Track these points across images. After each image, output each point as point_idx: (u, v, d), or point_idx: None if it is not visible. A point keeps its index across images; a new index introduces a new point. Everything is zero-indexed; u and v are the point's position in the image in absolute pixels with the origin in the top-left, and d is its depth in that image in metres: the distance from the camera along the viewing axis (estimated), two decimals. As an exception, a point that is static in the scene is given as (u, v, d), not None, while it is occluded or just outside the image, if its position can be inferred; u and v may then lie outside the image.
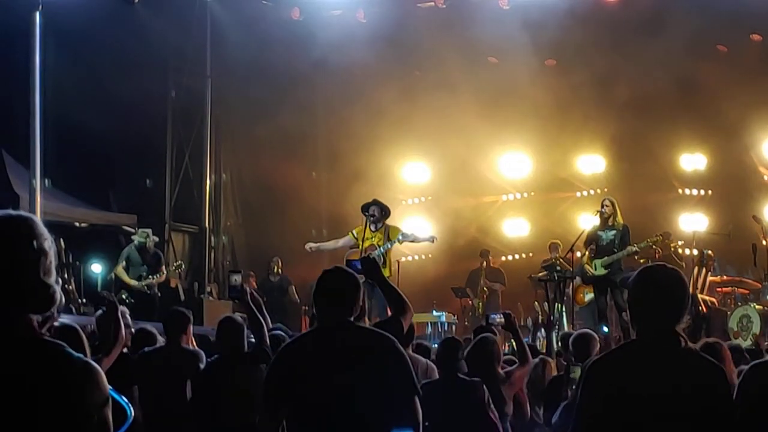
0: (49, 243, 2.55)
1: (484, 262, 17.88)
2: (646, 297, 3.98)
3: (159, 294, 15.33)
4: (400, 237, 13.38)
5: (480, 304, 17.33)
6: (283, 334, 7.82)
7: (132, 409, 2.59)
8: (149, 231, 15.71)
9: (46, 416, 2.41)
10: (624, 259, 13.35)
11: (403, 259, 16.96)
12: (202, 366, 7.62)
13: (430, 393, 6.16)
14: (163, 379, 7.55)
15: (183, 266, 16.56)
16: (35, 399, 2.41)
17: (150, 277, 15.03)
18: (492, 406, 6.75)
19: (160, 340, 8.20)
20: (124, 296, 14.83)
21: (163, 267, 15.35)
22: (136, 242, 15.41)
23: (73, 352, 2.50)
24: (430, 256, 18.98)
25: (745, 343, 12.46)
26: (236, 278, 7.35)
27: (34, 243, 2.52)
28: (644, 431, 3.83)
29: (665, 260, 13.51)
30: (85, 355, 2.59)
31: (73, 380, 2.45)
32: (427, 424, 4.82)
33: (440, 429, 6.28)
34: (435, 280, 18.29)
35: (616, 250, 13.08)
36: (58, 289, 2.56)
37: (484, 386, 6.71)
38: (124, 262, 15.30)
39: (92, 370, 2.50)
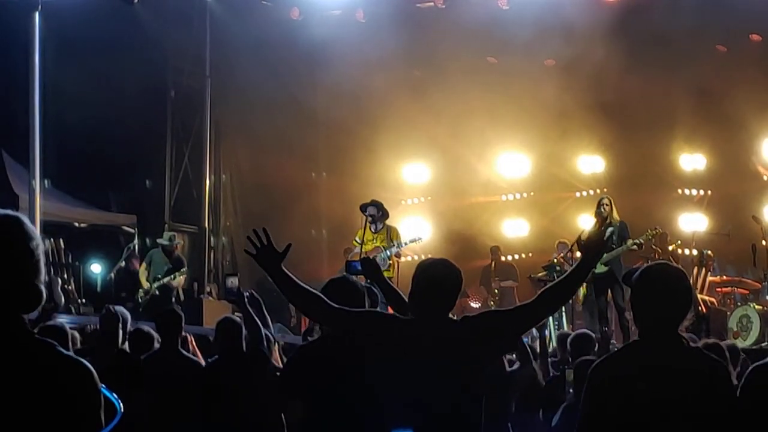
0: (35, 242, 2.54)
1: (493, 261, 17.85)
2: (648, 296, 3.97)
3: (174, 299, 15.11)
4: (402, 244, 13.38)
5: (493, 304, 17.24)
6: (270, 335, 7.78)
7: (121, 405, 2.59)
8: (173, 234, 15.58)
9: (38, 414, 2.41)
10: (624, 258, 13.33)
11: (403, 259, 16.94)
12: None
13: None
14: (163, 387, 7.51)
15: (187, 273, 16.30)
16: (26, 397, 2.41)
17: (165, 278, 14.85)
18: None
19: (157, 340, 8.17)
20: (140, 296, 14.81)
21: (184, 269, 15.14)
22: (162, 243, 15.25)
23: (64, 351, 2.50)
24: (429, 256, 18.96)
25: (744, 343, 12.47)
26: (233, 281, 7.35)
27: (23, 243, 2.51)
28: (649, 431, 3.83)
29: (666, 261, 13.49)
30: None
31: (64, 378, 2.46)
32: None
33: None
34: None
35: (614, 247, 13.07)
36: (44, 289, 2.56)
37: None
38: (124, 261, 15.27)
39: (83, 368, 2.50)
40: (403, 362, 4.45)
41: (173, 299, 14.84)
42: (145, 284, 14.90)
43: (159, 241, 15.35)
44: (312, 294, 4.71)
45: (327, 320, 4.92)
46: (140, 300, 14.53)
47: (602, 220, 13.34)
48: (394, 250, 13.25)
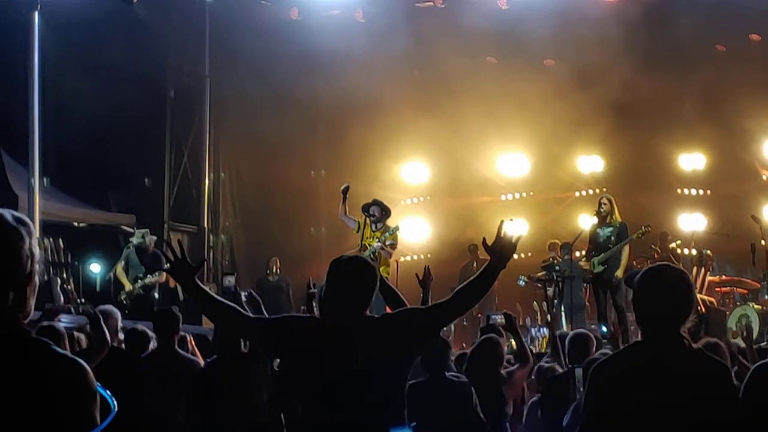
0: (18, 237, 2.52)
1: (474, 261, 17.83)
2: (651, 298, 3.98)
3: (158, 296, 15.15)
4: (382, 238, 13.26)
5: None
6: None
7: (115, 402, 2.58)
8: (146, 231, 15.53)
9: (32, 412, 2.41)
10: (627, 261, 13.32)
11: (402, 258, 16.93)
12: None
13: (417, 393, 6.15)
14: (160, 386, 7.50)
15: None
16: (20, 395, 2.41)
17: (146, 277, 14.85)
18: (479, 407, 6.73)
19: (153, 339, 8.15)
20: (122, 298, 14.78)
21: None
22: (135, 243, 15.27)
23: (59, 349, 2.50)
24: (429, 255, 18.98)
25: (744, 343, 12.44)
26: (230, 280, 7.34)
27: (4, 239, 2.51)
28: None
29: (664, 261, 13.49)
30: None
31: (58, 375, 2.45)
32: (414, 424, 4.78)
33: (427, 429, 6.24)
34: (434, 280, 18.20)
35: (611, 247, 13.08)
36: (37, 288, 2.55)
37: (473, 388, 6.70)
38: (123, 263, 15.23)
39: (77, 366, 2.49)
40: (321, 362, 4.43)
41: (157, 297, 14.86)
42: (128, 285, 14.86)
43: (132, 240, 15.25)
44: (226, 305, 4.67)
45: (242, 331, 4.94)
46: (124, 302, 14.50)
47: (602, 218, 13.36)
48: (377, 245, 13.18)
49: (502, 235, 4.67)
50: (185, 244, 19.37)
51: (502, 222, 4.71)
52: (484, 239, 4.68)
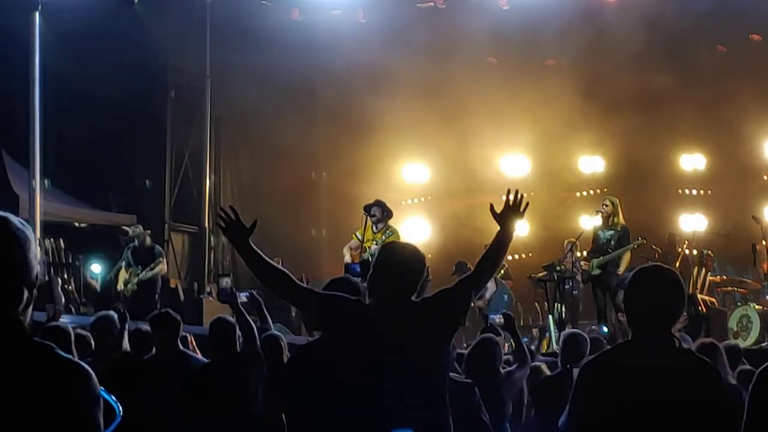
0: (23, 242, 2.52)
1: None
2: (640, 297, 3.98)
3: (160, 289, 15.07)
4: (380, 240, 13.19)
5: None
6: (278, 334, 7.77)
7: (120, 408, 2.58)
8: (136, 234, 15.43)
9: (35, 417, 2.40)
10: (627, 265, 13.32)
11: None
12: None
13: None
14: (167, 386, 7.49)
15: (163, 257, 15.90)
16: (24, 400, 2.40)
17: (143, 272, 14.82)
18: (483, 408, 6.72)
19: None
20: (125, 293, 14.82)
21: (160, 258, 15.13)
22: (135, 243, 15.25)
23: (62, 353, 2.49)
24: (429, 256, 18.92)
25: (744, 343, 12.47)
26: (226, 281, 7.35)
27: (9, 245, 2.50)
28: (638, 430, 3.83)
29: (666, 262, 13.50)
30: (72, 356, 2.58)
31: (62, 380, 2.44)
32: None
33: None
34: (434, 280, 18.19)
35: (610, 251, 13.09)
36: (34, 291, 2.55)
37: (476, 388, 6.69)
38: (124, 263, 15.24)
39: (81, 370, 2.48)
40: (364, 344, 4.49)
41: (156, 295, 14.86)
42: (120, 286, 14.88)
43: (130, 243, 15.18)
44: (279, 270, 4.75)
45: (292, 297, 4.97)
46: (125, 294, 14.55)
47: (605, 220, 13.37)
48: (374, 249, 13.11)
49: (510, 203, 4.78)
50: (186, 245, 19.44)
51: (508, 191, 4.79)
52: (491, 206, 4.71)
